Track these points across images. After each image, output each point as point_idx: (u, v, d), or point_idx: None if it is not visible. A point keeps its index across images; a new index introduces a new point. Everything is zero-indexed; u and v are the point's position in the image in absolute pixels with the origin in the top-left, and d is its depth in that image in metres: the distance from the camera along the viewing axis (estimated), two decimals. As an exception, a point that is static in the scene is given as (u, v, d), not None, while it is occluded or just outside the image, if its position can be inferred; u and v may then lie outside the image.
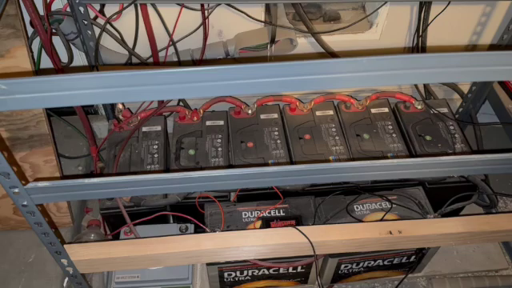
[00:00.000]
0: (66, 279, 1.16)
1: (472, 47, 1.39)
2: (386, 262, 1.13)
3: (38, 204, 0.73)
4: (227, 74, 0.57)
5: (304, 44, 1.32)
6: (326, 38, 1.29)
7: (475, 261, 1.27)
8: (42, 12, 1.09)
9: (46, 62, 1.17)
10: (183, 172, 0.73)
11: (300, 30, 1.26)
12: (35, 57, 1.17)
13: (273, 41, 1.23)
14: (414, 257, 1.13)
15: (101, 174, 1.24)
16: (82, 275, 0.94)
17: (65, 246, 0.85)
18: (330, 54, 1.30)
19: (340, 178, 0.79)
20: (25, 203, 0.72)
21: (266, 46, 1.25)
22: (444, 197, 1.11)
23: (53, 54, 1.15)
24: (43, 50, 1.16)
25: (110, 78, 0.56)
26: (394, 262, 1.13)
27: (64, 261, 0.87)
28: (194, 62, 1.27)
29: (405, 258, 1.12)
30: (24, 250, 1.21)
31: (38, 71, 1.14)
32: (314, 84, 0.58)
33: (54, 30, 1.14)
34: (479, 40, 1.38)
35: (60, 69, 1.17)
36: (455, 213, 1.19)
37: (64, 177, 1.23)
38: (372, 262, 1.12)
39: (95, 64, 1.21)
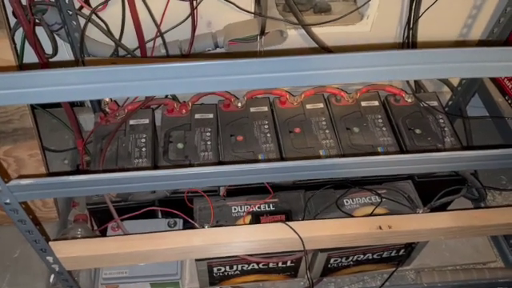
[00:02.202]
0: (53, 275, 1.14)
1: (462, 41, 1.38)
2: (375, 256, 1.13)
3: (21, 202, 0.71)
4: (219, 69, 0.55)
5: (294, 36, 1.30)
6: (316, 30, 1.28)
7: (463, 254, 1.28)
8: (24, 1, 1.06)
9: (29, 54, 1.14)
10: (172, 169, 0.71)
11: (290, 22, 1.24)
12: (18, 48, 1.14)
13: (263, 32, 1.21)
14: (403, 250, 1.13)
15: (87, 171, 1.22)
16: (68, 272, 0.92)
17: (50, 243, 0.83)
18: (321, 47, 1.28)
19: (331, 174, 0.79)
20: (7, 201, 0.70)
21: (255, 37, 1.23)
22: (433, 190, 1.11)
23: (36, 45, 1.11)
24: (26, 41, 1.12)
25: (95, 74, 0.54)
26: (384, 255, 1.14)
27: (49, 258, 0.85)
28: (183, 54, 1.25)
29: (394, 251, 1.13)
30: (9, 245, 1.19)
31: (22, 65, 1.11)
32: (310, 79, 0.57)
33: (37, 21, 1.11)
34: (470, 33, 1.37)
35: (44, 62, 1.14)
36: (444, 206, 1.20)
37: (50, 174, 1.20)
38: (361, 256, 1.13)
39: (81, 56, 1.18)
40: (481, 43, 1.35)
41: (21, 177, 0.68)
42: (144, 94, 1.06)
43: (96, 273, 1.13)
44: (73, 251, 0.86)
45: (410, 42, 1.31)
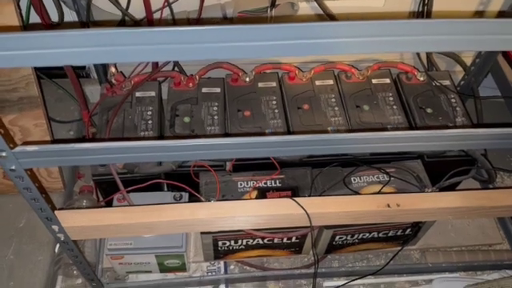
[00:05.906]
0: (58, 245, 1.15)
1: (479, 15, 1.34)
2: (381, 235, 1.13)
3: (26, 169, 0.70)
4: (231, 34, 0.53)
5: (305, 9, 1.27)
6: (328, 3, 1.24)
7: (469, 235, 1.27)
8: (30, -34, 1.04)
9: (35, 21, 1.12)
10: (178, 139, 0.70)
11: (302, -6, 1.21)
12: (24, 14, 1.11)
13: (273, 4, 1.18)
14: (409, 230, 1.12)
15: (93, 140, 1.21)
16: (73, 242, 0.92)
17: (56, 212, 0.83)
18: (332, 20, 1.25)
19: (339, 149, 0.77)
20: (13, 167, 0.69)
21: (265, 9, 1.20)
22: (443, 170, 1.10)
23: (42, 12, 1.09)
24: (32, 8, 1.10)
25: (104, 36, 0.52)
26: (389, 234, 1.13)
27: (55, 227, 0.85)
28: (191, 25, 1.22)
29: (400, 230, 1.12)
30: (14, 214, 1.19)
31: (27, 28, 1.09)
32: (317, 48, 0.54)
33: (43, -13, 1.09)
34: (487, 8, 1.33)
35: (49, 25, 1.12)
36: (452, 187, 1.18)
37: (54, 141, 1.20)
38: (367, 234, 1.12)
39: (87, 22, 1.15)
40: (501, 14, 1.30)
41: (26, 143, 0.67)
42: (152, 60, 1.03)
43: (101, 243, 1.14)
44: (79, 221, 0.85)
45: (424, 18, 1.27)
